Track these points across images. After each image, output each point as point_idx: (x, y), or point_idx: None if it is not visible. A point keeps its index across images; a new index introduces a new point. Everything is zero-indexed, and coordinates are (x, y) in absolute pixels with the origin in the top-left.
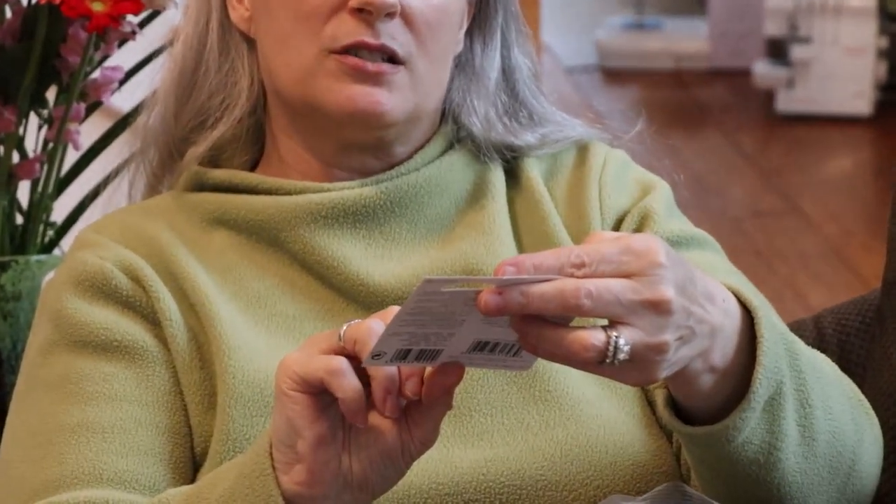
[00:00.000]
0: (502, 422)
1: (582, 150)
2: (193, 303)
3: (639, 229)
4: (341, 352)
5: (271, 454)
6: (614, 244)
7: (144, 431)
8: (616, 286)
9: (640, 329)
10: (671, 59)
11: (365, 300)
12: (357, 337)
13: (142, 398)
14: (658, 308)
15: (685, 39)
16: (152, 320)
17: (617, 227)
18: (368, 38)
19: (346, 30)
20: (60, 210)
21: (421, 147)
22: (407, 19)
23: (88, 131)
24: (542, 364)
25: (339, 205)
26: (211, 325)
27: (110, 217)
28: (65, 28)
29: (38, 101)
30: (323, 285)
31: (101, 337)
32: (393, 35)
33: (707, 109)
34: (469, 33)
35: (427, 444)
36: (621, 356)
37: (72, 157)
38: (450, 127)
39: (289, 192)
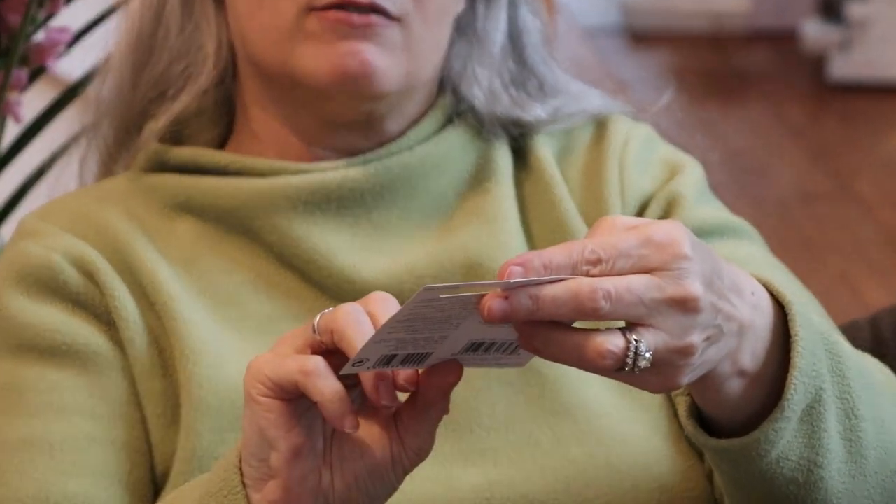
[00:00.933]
0: (508, 438)
1: (600, 125)
2: (154, 301)
3: (665, 216)
4: (318, 348)
5: (241, 469)
6: (633, 235)
7: (98, 448)
8: (637, 284)
9: (664, 331)
10: (707, 18)
11: (352, 299)
12: (335, 328)
13: (95, 410)
14: (685, 307)
15: None
16: (106, 321)
17: (640, 213)
18: None
19: None
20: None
21: (415, 122)
22: None
23: (31, 102)
24: (554, 372)
25: (321, 188)
26: (174, 327)
27: (58, 202)
28: None
29: None
30: (303, 282)
31: (48, 340)
32: None
33: (748, 77)
34: None
35: (421, 454)
36: (642, 363)
37: (12, 131)
38: (448, 99)
39: (263, 174)
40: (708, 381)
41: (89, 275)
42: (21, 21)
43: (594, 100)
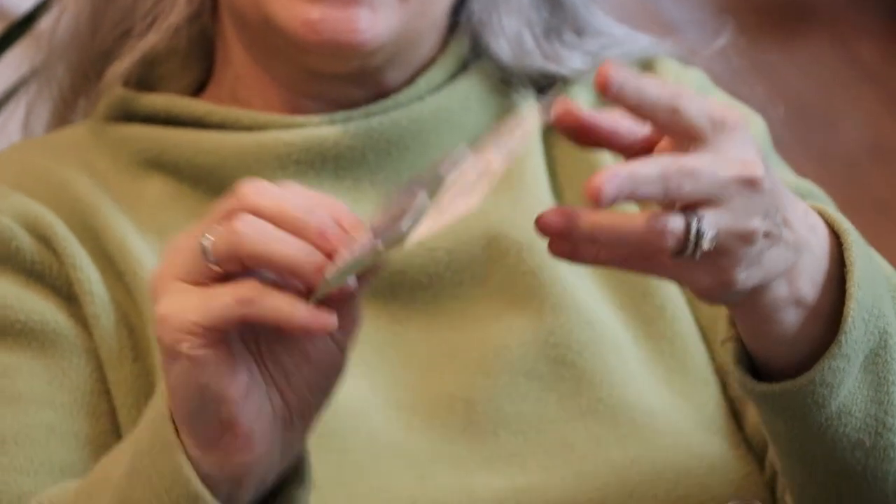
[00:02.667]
0: (538, 441)
1: (645, 69)
2: (122, 271)
3: None
4: (214, 278)
5: (175, 428)
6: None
7: (58, 442)
8: (707, 161)
9: (728, 210)
10: None
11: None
12: (251, 251)
13: (55, 399)
14: (749, 185)
15: None
16: (66, 294)
17: None
18: None
19: None
20: None
21: (422, 70)
22: None
23: None
24: (591, 365)
25: (316, 146)
26: (145, 302)
27: (3, 155)
28: None
29: None
30: None
31: None
32: None
33: (811, 12)
34: None
35: (358, 323)
36: (705, 244)
37: None
38: (463, 43)
39: (248, 128)
40: (764, 307)
41: (45, 240)
42: None
43: (640, 41)
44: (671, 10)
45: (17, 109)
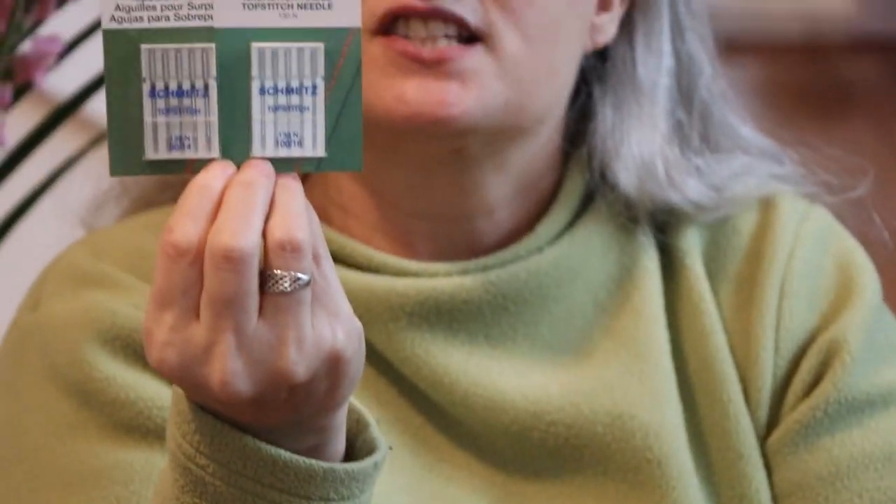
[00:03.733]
0: None
1: (766, 210)
2: None
3: (821, 373)
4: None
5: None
6: None
7: None
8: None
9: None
10: (802, 23)
11: (465, 433)
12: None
13: None
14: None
15: None
16: None
17: (795, 363)
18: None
19: None
20: None
21: (541, 208)
22: None
23: (16, 122)
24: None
25: (431, 299)
26: None
27: (107, 235)
28: None
29: None
30: (409, 405)
31: (156, 420)
32: None
33: (851, 93)
34: (621, 23)
35: None
36: None
37: None
38: (584, 175)
39: (360, 267)
40: None
41: None
42: (4, 29)
43: (763, 169)
44: None
45: (68, 193)
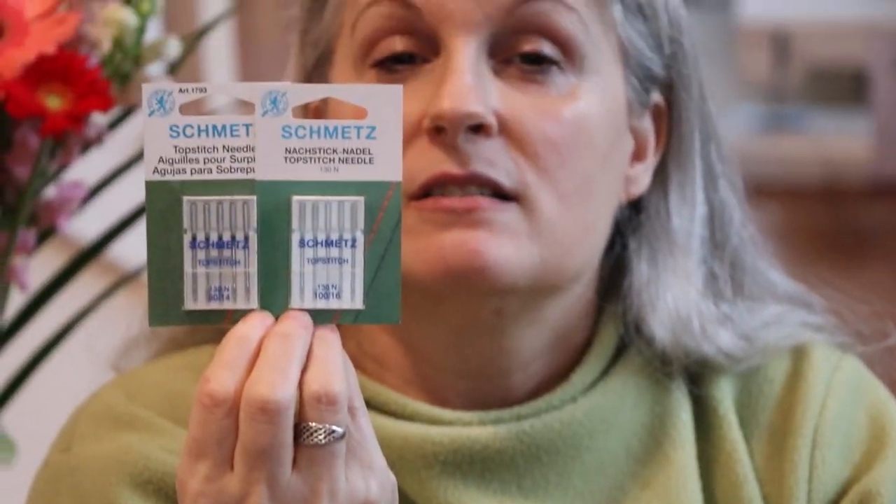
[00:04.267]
0: None
1: (797, 359)
2: None
3: None
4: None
5: None
6: None
7: None
8: None
9: None
10: (821, 168)
11: None
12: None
13: None
14: None
15: (841, 139)
16: None
17: None
18: (451, 167)
19: (424, 162)
20: (0, 372)
21: (574, 358)
22: (513, 137)
23: (39, 266)
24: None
25: (464, 448)
26: None
27: (141, 376)
28: (9, 131)
29: None
30: None
31: None
32: (491, 159)
33: (870, 238)
34: (655, 172)
35: None
36: None
37: (17, 300)
38: (618, 325)
39: (394, 414)
40: None
41: None
42: (29, 175)
43: (793, 318)
44: None
45: (80, 335)
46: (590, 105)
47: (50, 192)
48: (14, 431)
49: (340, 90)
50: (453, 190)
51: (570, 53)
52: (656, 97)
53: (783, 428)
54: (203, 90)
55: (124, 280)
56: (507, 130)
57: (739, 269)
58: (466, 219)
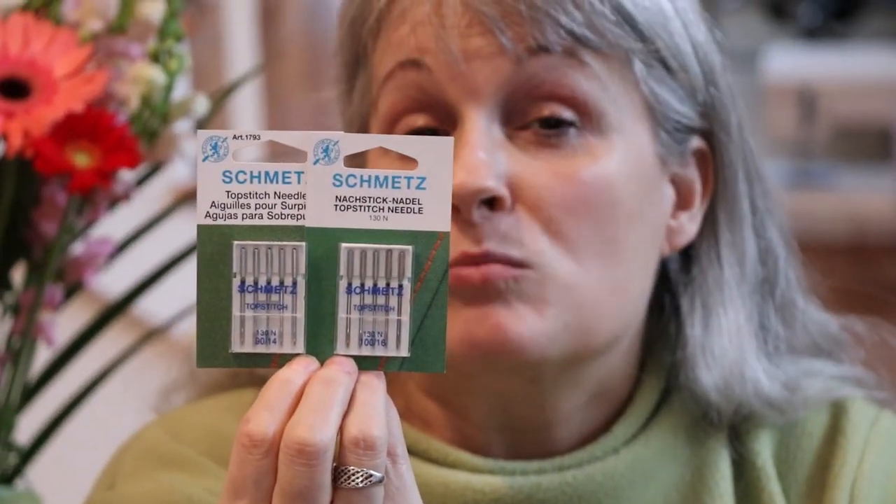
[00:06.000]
0: None
1: (836, 414)
2: None
3: None
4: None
5: None
6: None
7: None
8: None
9: None
10: (846, 224)
11: None
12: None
13: None
14: None
15: (867, 196)
16: None
17: None
18: (468, 246)
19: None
20: (27, 427)
21: (618, 409)
22: (528, 204)
23: (66, 322)
24: None
25: (507, 497)
26: None
27: (186, 416)
28: (37, 188)
29: (0, 283)
30: None
31: None
32: (505, 233)
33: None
34: (705, 219)
35: None
36: None
37: (44, 356)
38: (662, 377)
39: (436, 461)
40: None
41: None
42: (56, 231)
43: (833, 370)
44: None
45: (106, 391)
46: (610, 165)
47: (77, 248)
48: (40, 487)
49: (392, 140)
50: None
51: (586, 113)
52: (697, 143)
53: (821, 481)
54: (257, 137)
55: (151, 335)
56: (521, 199)
57: (789, 312)
58: (484, 291)
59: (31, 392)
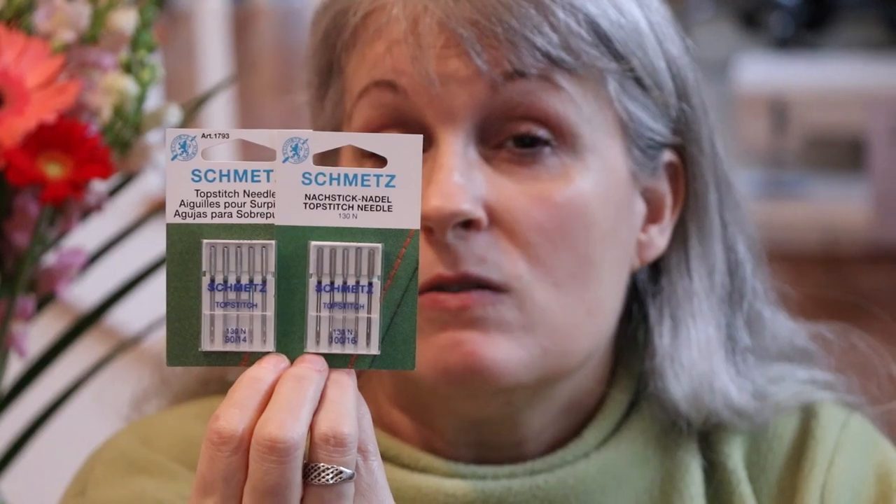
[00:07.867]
0: None
1: (806, 417)
2: None
3: None
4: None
5: None
6: None
7: None
8: None
9: None
10: (819, 233)
11: None
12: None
13: None
14: None
15: (839, 205)
16: None
17: None
18: (443, 269)
19: (424, 263)
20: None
21: (589, 414)
22: (504, 227)
23: (38, 333)
24: None
25: (479, 501)
26: None
27: (157, 422)
28: (9, 199)
29: None
30: None
31: None
32: (481, 255)
33: (869, 304)
34: (675, 231)
35: None
36: None
37: (15, 367)
38: (627, 382)
39: (407, 466)
40: None
41: None
42: (28, 242)
43: (802, 375)
44: None
45: (79, 401)
46: (585, 185)
47: (49, 258)
48: (12, 498)
49: (360, 139)
50: (447, 287)
51: (561, 134)
52: (668, 156)
53: (792, 484)
54: (226, 136)
55: (123, 346)
56: (497, 221)
57: (756, 322)
58: (460, 318)
59: (2, 403)
